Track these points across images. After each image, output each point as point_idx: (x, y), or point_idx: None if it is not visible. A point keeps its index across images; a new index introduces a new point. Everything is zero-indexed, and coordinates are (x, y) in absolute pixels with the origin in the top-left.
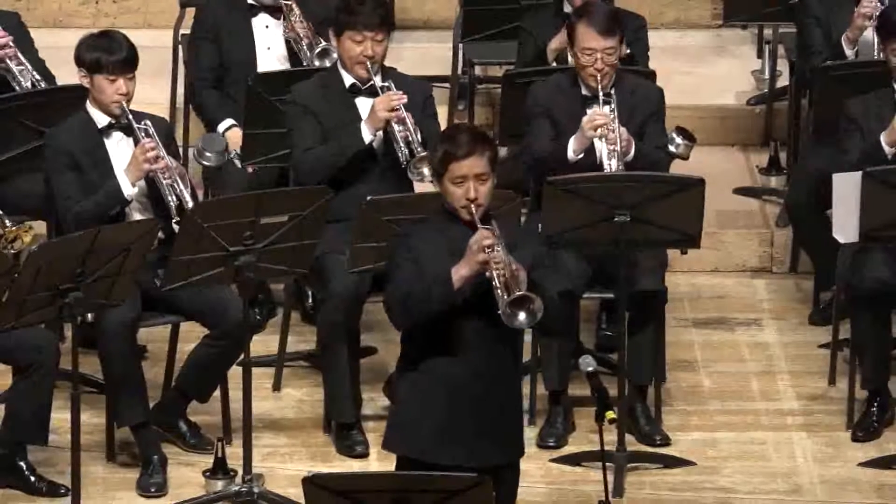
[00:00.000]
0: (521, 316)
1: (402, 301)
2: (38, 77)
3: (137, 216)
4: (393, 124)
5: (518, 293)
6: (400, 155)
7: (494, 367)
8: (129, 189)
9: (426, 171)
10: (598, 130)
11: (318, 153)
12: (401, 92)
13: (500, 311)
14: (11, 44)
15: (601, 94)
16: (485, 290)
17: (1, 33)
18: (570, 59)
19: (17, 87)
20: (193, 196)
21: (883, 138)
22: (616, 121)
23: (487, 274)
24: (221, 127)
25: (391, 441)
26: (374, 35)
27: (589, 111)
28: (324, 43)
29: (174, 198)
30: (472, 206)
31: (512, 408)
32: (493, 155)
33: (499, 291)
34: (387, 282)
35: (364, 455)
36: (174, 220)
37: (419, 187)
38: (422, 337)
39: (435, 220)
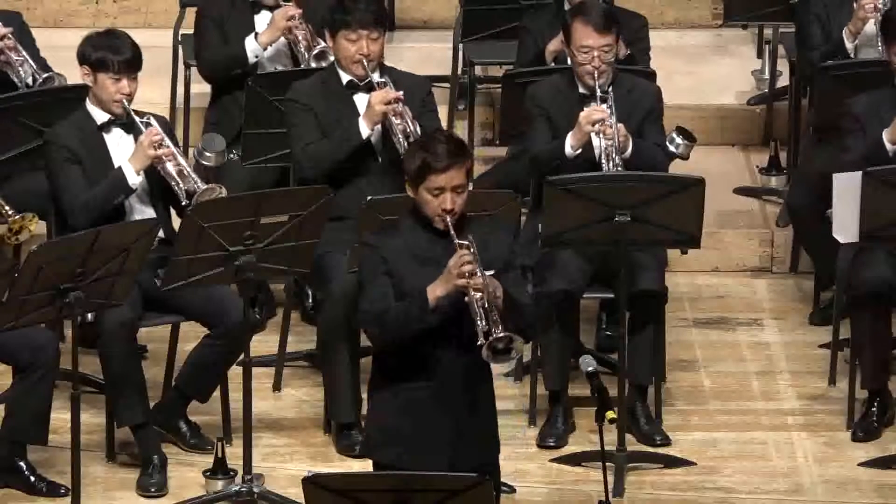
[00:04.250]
0: (501, 357)
1: (377, 319)
2: (37, 69)
3: (138, 216)
4: (391, 117)
5: (498, 334)
6: (399, 148)
7: (467, 374)
8: (133, 178)
9: None
10: (596, 125)
11: (317, 147)
12: (400, 92)
13: (478, 344)
14: (10, 35)
15: (598, 91)
16: (463, 305)
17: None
18: (568, 59)
19: (16, 80)
20: (204, 181)
21: (885, 136)
22: (613, 116)
23: (466, 298)
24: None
25: (369, 447)
26: (368, 33)
27: (586, 108)
28: (321, 44)
29: (183, 182)
30: (448, 216)
31: (486, 409)
32: (470, 165)
33: (478, 321)
34: (360, 297)
35: (364, 455)
36: (184, 205)
37: None
38: (394, 351)
39: (402, 225)
